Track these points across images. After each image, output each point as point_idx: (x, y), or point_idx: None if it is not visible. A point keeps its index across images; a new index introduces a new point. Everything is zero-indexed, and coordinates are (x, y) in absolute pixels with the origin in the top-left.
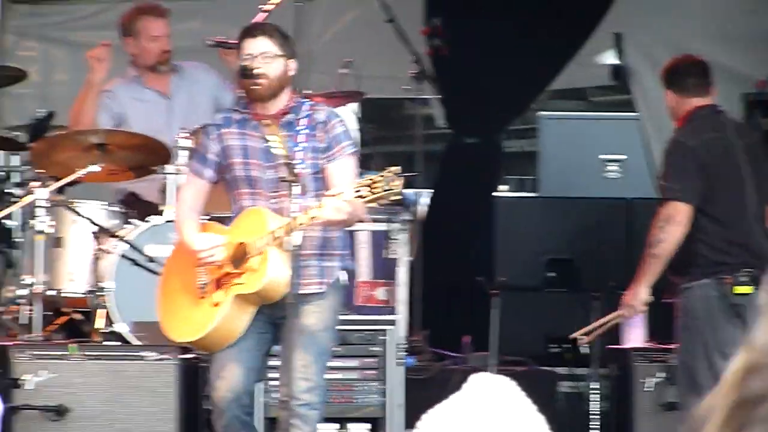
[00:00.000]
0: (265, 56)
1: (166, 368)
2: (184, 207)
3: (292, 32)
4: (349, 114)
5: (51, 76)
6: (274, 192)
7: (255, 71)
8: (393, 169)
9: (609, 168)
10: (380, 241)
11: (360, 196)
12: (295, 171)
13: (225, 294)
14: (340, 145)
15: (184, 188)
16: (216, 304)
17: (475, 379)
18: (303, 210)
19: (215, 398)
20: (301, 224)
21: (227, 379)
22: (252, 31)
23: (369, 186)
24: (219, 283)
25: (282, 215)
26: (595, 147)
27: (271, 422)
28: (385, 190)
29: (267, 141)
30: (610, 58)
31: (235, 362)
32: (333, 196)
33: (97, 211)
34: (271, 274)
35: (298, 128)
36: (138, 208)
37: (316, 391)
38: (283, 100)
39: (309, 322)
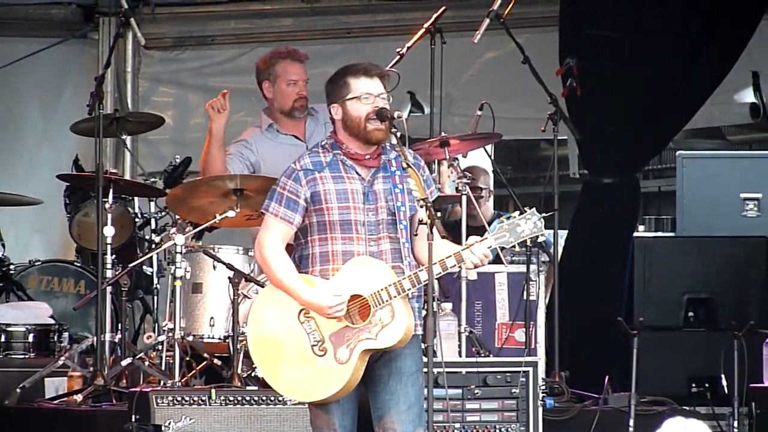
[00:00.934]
0: (382, 96)
1: (307, 413)
2: (282, 257)
3: (428, 75)
4: (483, 156)
5: (187, 121)
6: (373, 235)
7: (395, 114)
8: (531, 210)
9: (748, 207)
10: (518, 282)
11: (502, 245)
12: (433, 212)
13: (349, 350)
14: (430, 189)
15: (270, 235)
16: (342, 362)
17: (671, 424)
18: (407, 254)
19: None
20: (438, 274)
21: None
22: (368, 70)
23: (509, 231)
24: (338, 339)
25: (381, 258)
26: (734, 186)
27: None
28: (527, 233)
29: (366, 182)
30: (747, 96)
31: (347, 413)
32: (475, 244)
33: (235, 256)
34: (406, 327)
35: (393, 169)
36: None
37: (422, 430)
38: None
39: (407, 365)
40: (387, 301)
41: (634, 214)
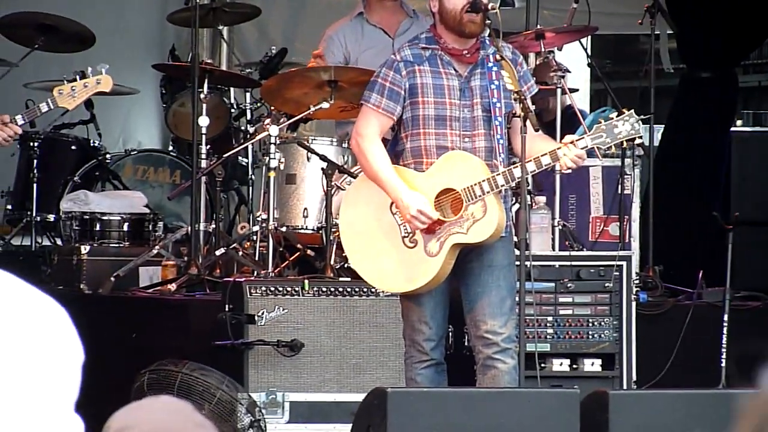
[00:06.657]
0: None
1: (398, 304)
2: (380, 149)
3: None
4: (579, 50)
5: (284, 12)
6: (468, 131)
7: (489, 6)
8: (629, 111)
9: None
10: (613, 176)
11: (598, 145)
12: (527, 105)
13: (439, 243)
14: (528, 85)
15: (369, 126)
16: (432, 254)
17: None
18: (500, 152)
19: (419, 342)
20: (532, 171)
21: (433, 325)
22: None
23: (605, 131)
24: (428, 232)
25: (475, 155)
26: None
27: None
28: (624, 135)
29: (464, 78)
30: None
31: (440, 307)
32: (571, 143)
33: (328, 147)
34: (497, 223)
35: (489, 65)
36: None
37: (514, 323)
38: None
39: (498, 258)
40: (480, 196)
41: (732, 109)
